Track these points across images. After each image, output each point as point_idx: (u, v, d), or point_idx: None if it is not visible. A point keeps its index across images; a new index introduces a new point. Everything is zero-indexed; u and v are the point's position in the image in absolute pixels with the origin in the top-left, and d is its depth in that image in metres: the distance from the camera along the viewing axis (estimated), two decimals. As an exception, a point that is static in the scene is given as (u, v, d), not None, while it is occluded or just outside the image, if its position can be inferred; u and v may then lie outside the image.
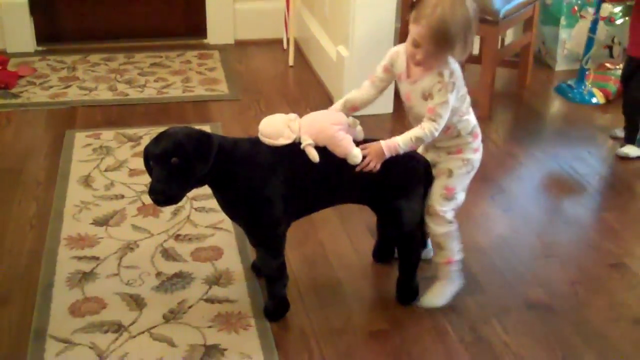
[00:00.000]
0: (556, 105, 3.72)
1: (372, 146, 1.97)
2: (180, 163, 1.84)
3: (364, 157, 1.96)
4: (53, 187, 2.74)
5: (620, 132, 3.22)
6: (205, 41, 4.29)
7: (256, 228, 2.03)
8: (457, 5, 1.83)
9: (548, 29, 3.99)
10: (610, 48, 3.80)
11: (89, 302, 2.13)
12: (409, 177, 2.03)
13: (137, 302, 2.14)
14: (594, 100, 3.59)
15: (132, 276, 2.25)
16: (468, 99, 2.04)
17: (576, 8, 3.89)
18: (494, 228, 2.60)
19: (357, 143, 2.00)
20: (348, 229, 2.53)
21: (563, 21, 3.90)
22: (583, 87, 3.62)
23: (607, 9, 3.65)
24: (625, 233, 2.58)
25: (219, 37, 4.28)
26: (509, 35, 3.97)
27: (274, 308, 2.09)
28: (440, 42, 1.84)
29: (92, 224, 2.51)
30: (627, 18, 3.61)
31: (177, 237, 2.44)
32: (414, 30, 1.87)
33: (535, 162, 3.07)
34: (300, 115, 2.05)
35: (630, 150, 3.09)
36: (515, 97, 3.75)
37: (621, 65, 3.45)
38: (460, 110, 2.01)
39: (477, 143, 2.08)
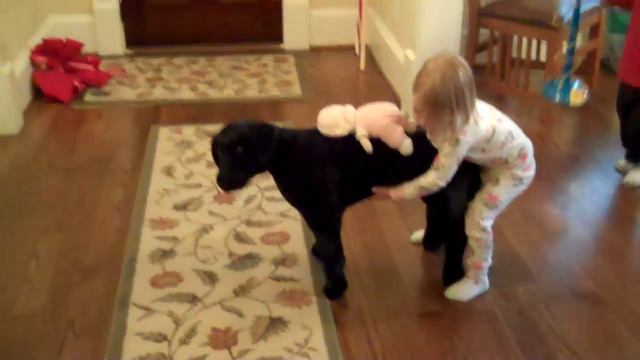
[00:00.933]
0: (622, 111, 3.77)
1: (381, 190, 2.17)
2: (244, 152, 2.03)
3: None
4: (138, 175, 2.99)
5: (625, 165, 3.02)
6: (282, 46, 4.52)
7: (314, 212, 2.19)
8: (447, 73, 1.96)
9: (616, 37, 4.04)
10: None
11: (168, 276, 2.36)
12: None
13: (210, 278, 2.35)
14: (566, 99, 3.21)
15: (207, 255, 2.46)
16: (502, 129, 2.09)
17: (645, 16, 3.92)
18: (550, 225, 2.69)
19: (409, 134, 2.14)
20: (408, 221, 2.67)
21: (632, 29, 3.94)
22: (560, 83, 3.21)
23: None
24: (680, 233, 2.65)
25: (294, 43, 4.51)
26: (577, 41, 4.02)
27: (333, 287, 2.26)
28: (435, 107, 1.98)
29: (172, 208, 2.75)
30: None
31: (248, 223, 2.65)
32: (414, 98, 2.04)
33: (596, 165, 3.14)
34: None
35: (637, 176, 2.94)
36: (581, 102, 3.82)
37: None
38: (499, 143, 2.08)
39: (528, 162, 2.17)
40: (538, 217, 2.73)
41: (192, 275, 2.36)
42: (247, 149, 2.03)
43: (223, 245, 2.52)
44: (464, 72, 1.99)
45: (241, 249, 2.50)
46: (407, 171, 2.14)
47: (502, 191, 2.17)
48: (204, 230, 2.61)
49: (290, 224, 2.64)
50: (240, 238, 2.56)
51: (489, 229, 2.20)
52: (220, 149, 2.06)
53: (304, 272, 2.38)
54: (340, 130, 2.15)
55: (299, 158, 2.13)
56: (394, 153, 2.13)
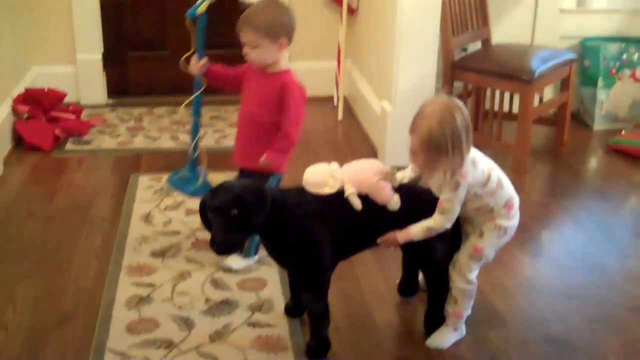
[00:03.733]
0: (593, 162, 3.88)
1: (387, 236, 2.17)
2: (239, 214, 1.99)
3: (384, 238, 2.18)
4: (117, 223, 3.02)
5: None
6: (262, 97, 4.59)
7: (306, 272, 2.17)
8: (444, 118, 2.02)
9: (586, 90, 4.17)
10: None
11: (144, 322, 2.37)
12: None
13: (187, 324, 2.36)
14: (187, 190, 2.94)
15: (183, 301, 2.48)
16: (494, 176, 2.16)
17: (613, 70, 4.07)
18: (521, 271, 2.75)
19: (395, 189, 2.19)
20: (384, 268, 2.71)
21: (600, 82, 4.08)
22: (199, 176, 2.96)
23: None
24: (648, 280, 2.71)
25: (274, 94, 4.58)
26: (549, 94, 4.15)
27: (317, 347, 2.23)
28: (432, 150, 2.04)
29: (150, 255, 2.77)
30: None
31: (225, 269, 2.68)
32: (411, 140, 2.10)
33: (566, 213, 3.22)
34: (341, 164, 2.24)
35: (233, 262, 2.68)
36: (553, 153, 3.91)
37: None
38: (491, 190, 2.15)
39: (512, 213, 2.21)
40: (509, 263, 2.78)
41: (168, 321, 2.38)
42: (243, 211, 2.00)
43: (200, 291, 2.55)
44: (461, 116, 2.04)
45: (218, 295, 2.52)
46: (394, 223, 2.17)
47: (487, 243, 2.21)
48: (181, 277, 2.63)
49: (267, 270, 2.67)
50: (217, 284, 2.59)
51: (475, 280, 2.25)
52: (213, 211, 2.01)
53: (280, 317, 2.40)
54: (329, 189, 2.16)
55: (291, 218, 2.11)
56: (382, 208, 2.16)
